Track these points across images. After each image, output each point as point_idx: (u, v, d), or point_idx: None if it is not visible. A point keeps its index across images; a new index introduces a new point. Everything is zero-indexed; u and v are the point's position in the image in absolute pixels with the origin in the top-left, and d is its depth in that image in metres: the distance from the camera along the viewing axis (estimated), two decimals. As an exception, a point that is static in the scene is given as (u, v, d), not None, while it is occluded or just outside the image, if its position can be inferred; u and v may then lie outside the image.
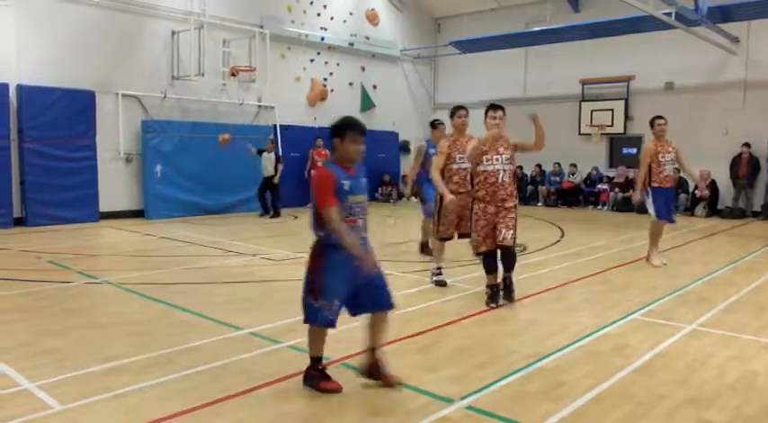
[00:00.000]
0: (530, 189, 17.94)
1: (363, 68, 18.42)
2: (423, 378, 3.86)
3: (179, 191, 13.72)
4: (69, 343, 4.73)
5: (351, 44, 17.75)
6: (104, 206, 12.89)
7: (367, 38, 18.23)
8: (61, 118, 12.07)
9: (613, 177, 16.84)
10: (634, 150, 17.13)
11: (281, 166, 13.86)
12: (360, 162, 3.82)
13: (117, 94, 13.06)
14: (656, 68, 16.11)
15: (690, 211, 15.00)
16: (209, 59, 14.05)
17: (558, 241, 10.47)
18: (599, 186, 16.91)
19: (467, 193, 6.32)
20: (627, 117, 16.83)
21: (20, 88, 11.72)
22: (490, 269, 5.89)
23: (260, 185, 13.90)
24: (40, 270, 7.58)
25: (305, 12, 16.63)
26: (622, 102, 16.83)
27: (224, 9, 14.65)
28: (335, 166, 3.72)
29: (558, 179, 17.58)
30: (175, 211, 13.60)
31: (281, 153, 15.62)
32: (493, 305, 5.82)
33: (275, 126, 15.85)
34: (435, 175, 6.38)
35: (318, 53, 17.12)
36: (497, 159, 5.67)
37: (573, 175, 17.39)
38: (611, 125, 17.05)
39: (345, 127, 3.74)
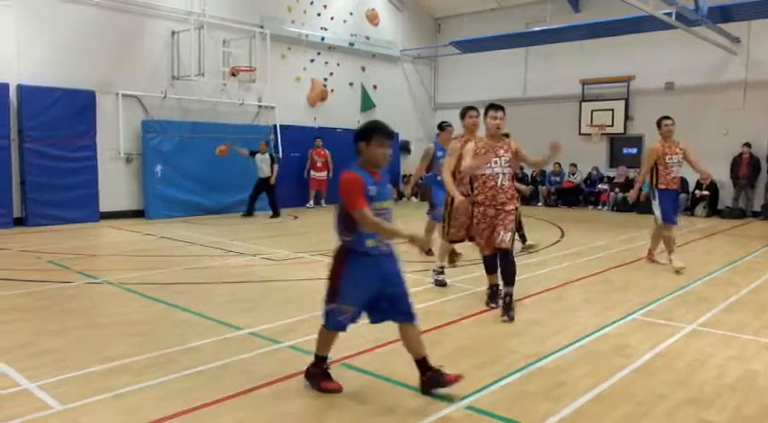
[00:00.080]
0: (530, 189, 17.93)
1: (364, 68, 18.43)
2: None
3: (179, 191, 13.72)
4: (69, 343, 4.73)
5: (351, 44, 17.75)
6: (104, 206, 12.89)
7: (367, 38, 18.23)
8: (61, 118, 12.08)
9: (614, 177, 16.85)
10: (634, 150, 17.16)
11: (276, 167, 13.85)
12: (385, 168, 3.74)
13: (117, 94, 13.07)
14: (656, 68, 16.11)
15: (690, 211, 15.00)
16: (209, 59, 14.05)
17: (559, 241, 10.47)
18: (599, 186, 16.91)
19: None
20: (627, 117, 16.83)
21: (20, 88, 11.72)
22: (491, 269, 5.88)
23: (254, 186, 13.88)
24: (41, 270, 7.59)
25: (305, 12, 16.63)
26: (623, 102, 16.83)
27: (224, 9, 14.65)
28: (362, 171, 3.62)
29: (558, 179, 17.58)
30: (175, 211, 13.60)
31: (280, 153, 15.66)
32: (493, 305, 5.81)
33: (275, 126, 15.85)
34: (446, 176, 6.19)
35: (319, 53, 17.12)
36: (496, 162, 5.55)
37: (573, 175, 17.39)
38: (612, 125, 17.05)
39: (372, 130, 3.63)
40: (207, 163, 13.89)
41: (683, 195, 15.04)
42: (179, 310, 5.71)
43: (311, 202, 16.25)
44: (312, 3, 16.78)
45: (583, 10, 17.16)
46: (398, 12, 19.31)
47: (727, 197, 15.13)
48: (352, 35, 17.80)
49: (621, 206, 15.89)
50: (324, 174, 16.24)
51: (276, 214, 13.86)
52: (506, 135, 8.56)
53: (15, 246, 9.44)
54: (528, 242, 9.26)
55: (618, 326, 5.33)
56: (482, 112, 5.89)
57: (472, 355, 4.50)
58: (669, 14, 11.89)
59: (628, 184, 16.05)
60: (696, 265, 7.96)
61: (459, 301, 6.12)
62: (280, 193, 14.30)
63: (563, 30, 15.35)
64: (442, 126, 7.96)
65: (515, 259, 5.71)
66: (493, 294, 5.89)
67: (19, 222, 11.76)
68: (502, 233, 5.52)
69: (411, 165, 18.64)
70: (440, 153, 7.49)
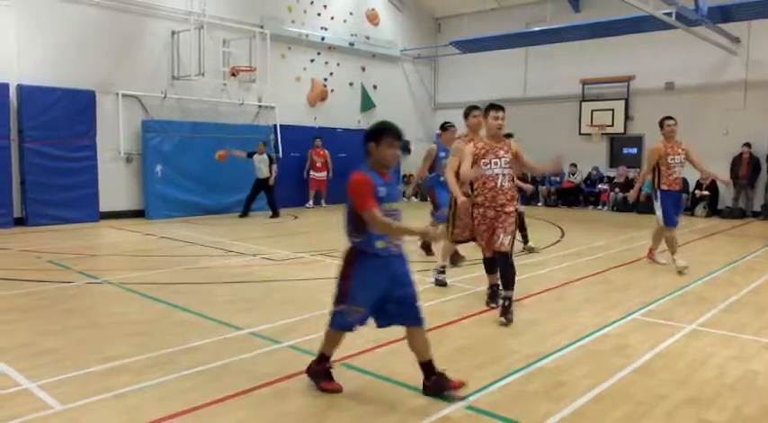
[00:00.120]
0: (531, 189, 17.91)
1: (364, 68, 18.43)
2: (422, 378, 3.84)
3: (179, 191, 13.72)
4: (70, 343, 4.74)
5: (351, 44, 17.75)
6: (104, 206, 12.89)
7: (367, 38, 18.23)
8: (61, 118, 12.08)
9: (614, 177, 16.85)
10: (634, 150, 17.16)
11: (275, 168, 13.85)
12: (394, 169, 3.73)
13: (117, 94, 13.07)
14: (656, 68, 16.10)
15: (690, 211, 15.00)
16: (209, 59, 14.06)
17: (559, 241, 10.47)
18: (599, 186, 16.91)
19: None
20: (627, 117, 16.82)
21: (20, 88, 11.72)
22: (491, 270, 5.88)
23: (252, 186, 13.86)
24: (41, 270, 7.59)
25: (305, 12, 16.63)
26: (623, 102, 16.83)
27: (224, 9, 14.65)
28: (371, 172, 3.59)
29: (558, 179, 17.57)
30: (176, 211, 13.60)
31: (281, 153, 15.66)
32: (493, 305, 5.81)
33: (275, 126, 15.85)
34: (450, 176, 6.13)
35: (319, 53, 17.12)
36: (496, 163, 5.47)
37: (573, 175, 17.39)
38: (612, 125, 17.05)
39: (382, 131, 3.62)
40: (207, 163, 13.87)
41: (683, 195, 15.06)
42: (179, 310, 5.71)
43: (311, 201, 16.24)
44: (312, 3, 16.78)
45: (583, 10, 17.16)
46: (398, 12, 19.31)
47: (727, 197, 15.13)
48: (352, 35, 17.80)
49: (621, 206, 15.89)
50: (323, 174, 16.24)
51: (276, 214, 13.86)
52: (510, 135, 8.57)
53: (15, 246, 9.44)
54: (529, 244, 9.26)
55: (618, 326, 5.34)
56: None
57: (472, 355, 4.50)
58: (669, 14, 11.89)
59: (628, 184, 16.04)
60: (696, 265, 7.95)
61: (459, 301, 6.12)
62: (279, 194, 14.30)
63: (563, 30, 15.35)
64: (445, 126, 7.92)
65: (515, 261, 5.68)
66: (493, 294, 5.89)
67: (19, 222, 11.76)
68: (501, 236, 5.44)
69: (411, 165, 18.65)
70: (442, 154, 7.47)
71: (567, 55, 17.21)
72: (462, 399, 3.66)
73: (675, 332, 5.11)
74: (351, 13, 17.84)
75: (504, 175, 5.50)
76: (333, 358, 3.92)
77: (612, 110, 16.98)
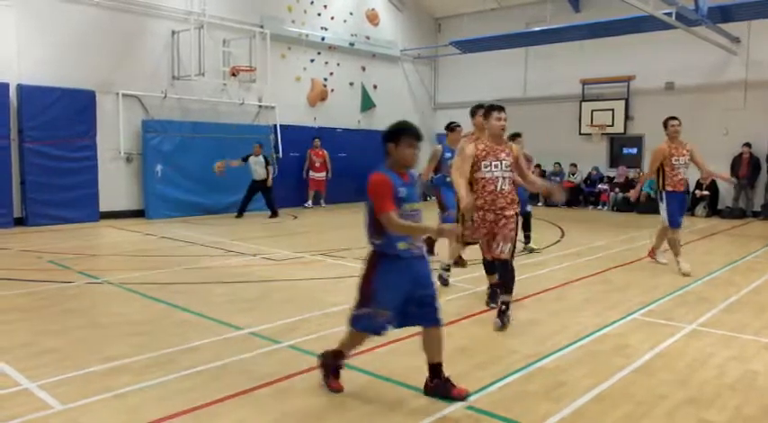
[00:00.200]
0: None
1: (364, 68, 18.42)
2: (423, 378, 3.85)
3: (179, 191, 13.72)
4: (70, 343, 4.74)
5: (351, 44, 17.75)
6: (104, 206, 12.89)
7: (367, 38, 18.23)
8: (61, 118, 12.08)
9: (614, 177, 16.85)
10: (634, 150, 17.16)
11: (271, 169, 13.84)
12: (413, 169, 3.69)
13: (117, 93, 13.07)
14: (656, 68, 16.10)
15: (690, 211, 14.98)
16: (209, 59, 14.06)
17: (559, 241, 10.47)
18: (599, 186, 16.91)
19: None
20: (627, 117, 16.82)
21: (20, 88, 11.72)
22: (490, 271, 5.85)
23: (248, 188, 13.83)
24: (41, 270, 7.59)
25: (305, 12, 16.63)
26: (623, 102, 16.83)
27: (224, 9, 14.65)
28: (391, 172, 3.55)
29: (558, 179, 17.56)
30: (176, 210, 13.60)
31: (280, 153, 15.66)
32: (493, 305, 5.79)
33: (275, 126, 15.85)
34: (456, 176, 5.92)
35: (319, 53, 17.12)
36: (497, 166, 5.33)
37: (573, 175, 17.39)
38: (612, 125, 17.04)
39: (401, 131, 3.57)
40: (207, 163, 13.84)
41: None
42: (179, 310, 5.71)
43: (310, 202, 16.22)
44: (312, 3, 16.78)
45: (583, 10, 17.16)
46: (398, 12, 19.31)
47: (727, 197, 15.13)
48: (352, 35, 17.80)
49: (621, 206, 15.89)
50: (323, 174, 16.23)
51: (274, 214, 13.86)
52: (519, 135, 8.56)
53: (15, 245, 9.45)
54: (530, 244, 9.25)
55: (618, 326, 5.34)
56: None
57: (472, 355, 4.50)
58: (669, 14, 11.89)
59: (628, 184, 16.05)
60: (696, 265, 7.95)
61: (459, 301, 6.12)
62: (279, 194, 14.30)
63: (563, 30, 15.35)
64: (452, 127, 7.82)
65: (514, 263, 5.64)
66: (493, 294, 5.88)
67: (19, 222, 11.76)
68: (501, 244, 5.34)
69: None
70: (448, 154, 7.45)
71: (567, 55, 17.21)
72: (462, 399, 3.66)
73: (675, 332, 5.12)
74: (351, 13, 17.84)
75: (504, 178, 5.36)
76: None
77: (612, 110, 16.98)
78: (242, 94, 15.26)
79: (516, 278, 5.53)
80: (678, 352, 4.64)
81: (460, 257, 7.74)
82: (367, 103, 18.48)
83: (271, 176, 13.81)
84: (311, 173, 16.20)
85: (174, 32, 13.88)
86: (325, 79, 17.35)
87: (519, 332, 5.12)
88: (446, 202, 7.66)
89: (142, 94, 13.43)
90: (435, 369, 3.74)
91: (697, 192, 15.05)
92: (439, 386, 3.72)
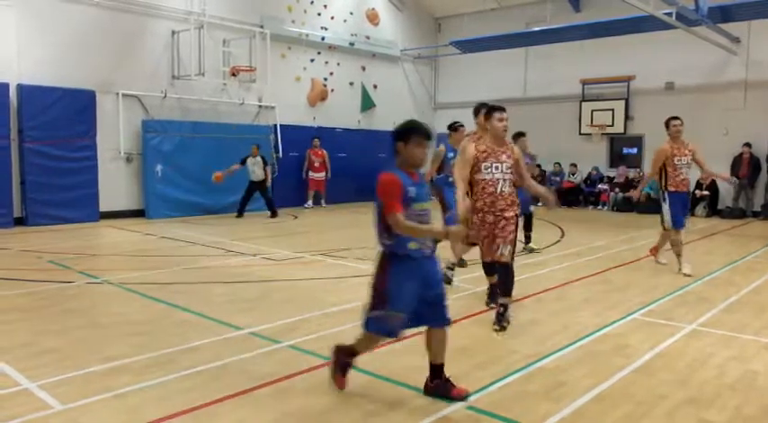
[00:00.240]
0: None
1: (364, 68, 18.42)
2: (423, 378, 3.85)
3: (179, 191, 13.72)
4: (70, 343, 4.74)
5: (351, 44, 17.75)
6: (104, 206, 12.89)
7: (367, 38, 18.23)
8: (61, 118, 12.08)
9: (614, 177, 16.85)
10: (634, 150, 17.17)
11: (269, 170, 13.85)
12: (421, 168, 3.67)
13: (117, 93, 13.07)
14: (656, 68, 16.11)
15: (690, 210, 14.98)
16: (209, 59, 14.06)
17: (559, 241, 10.47)
18: (599, 186, 16.91)
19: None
20: (627, 117, 16.82)
21: (20, 88, 11.72)
22: (489, 272, 5.78)
23: (246, 188, 13.81)
24: (41, 270, 7.59)
25: (305, 11, 16.63)
26: (623, 102, 16.83)
27: (224, 9, 14.65)
28: (400, 172, 3.53)
29: (558, 179, 17.58)
30: (176, 210, 13.60)
31: (280, 153, 15.65)
32: (493, 305, 5.78)
33: (275, 126, 15.85)
34: (457, 177, 5.80)
35: (319, 53, 17.12)
36: (497, 168, 5.23)
37: (573, 175, 17.39)
38: (612, 125, 17.05)
39: (410, 130, 3.55)
40: (207, 163, 13.86)
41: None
42: (179, 310, 5.71)
43: (310, 202, 16.20)
44: (312, 2, 16.78)
45: (583, 10, 17.15)
46: (398, 11, 19.31)
47: (727, 197, 15.13)
48: (352, 35, 17.80)
49: (621, 206, 15.89)
50: (322, 174, 16.21)
51: (274, 214, 13.85)
52: (523, 134, 8.53)
53: (15, 245, 9.45)
54: (530, 244, 9.25)
55: (618, 326, 5.34)
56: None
57: (472, 355, 4.50)
58: (669, 14, 11.89)
59: (628, 184, 16.06)
60: (696, 265, 7.95)
61: (459, 301, 6.11)
62: (279, 194, 14.30)
63: (563, 30, 15.35)
64: (455, 127, 7.74)
65: (514, 264, 5.61)
66: (493, 294, 5.85)
67: (19, 222, 11.76)
68: (501, 246, 5.27)
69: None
70: (451, 154, 7.42)
71: (567, 55, 17.21)
72: (462, 399, 3.66)
73: (675, 332, 5.12)
74: (351, 13, 17.84)
75: (504, 180, 5.27)
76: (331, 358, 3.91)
77: (612, 110, 16.99)
78: (242, 94, 15.26)
79: (516, 278, 5.52)
80: (678, 352, 4.64)
81: (461, 258, 7.75)
82: (367, 103, 18.48)
83: (270, 177, 13.79)
84: (310, 173, 16.19)
85: (174, 32, 13.88)
86: (325, 79, 17.35)
87: (519, 332, 5.12)
88: (448, 202, 7.65)
89: (142, 94, 13.43)
90: (437, 369, 3.74)
91: (697, 192, 15.04)
92: (439, 386, 3.72)
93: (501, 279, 5.45)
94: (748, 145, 14.67)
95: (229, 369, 4.18)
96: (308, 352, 4.49)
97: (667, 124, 7.64)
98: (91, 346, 4.67)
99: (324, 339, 4.77)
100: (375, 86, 18.69)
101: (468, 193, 5.55)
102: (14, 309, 5.76)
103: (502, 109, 5.35)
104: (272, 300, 6.26)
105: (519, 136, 8.62)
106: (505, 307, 5.31)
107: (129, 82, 13.20)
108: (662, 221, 7.86)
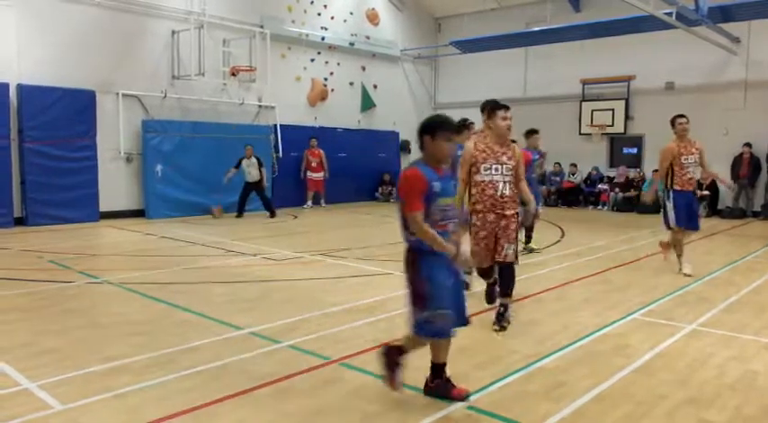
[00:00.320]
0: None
1: (364, 68, 18.42)
2: (423, 378, 3.85)
3: (179, 191, 13.72)
4: (70, 343, 4.74)
5: (351, 44, 17.75)
6: (105, 206, 12.89)
7: (367, 38, 18.23)
8: (61, 118, 12.07)
9: (614, 177, 16.85)
10: (634, 150, 17.17)
11: (264, 170, 13.84)
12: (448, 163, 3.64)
13: (117, 93, 13.07)
14: (656, 68, 16.10)
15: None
16: (209, 59, 14.06)
17: (559, 241, 10.47)
18: (599, 186, 16.91)
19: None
20: (627, 117, 16.82)
21: (20, 88, 11.72)
22: (486, 276, 5.70)
23: (242, 189, 13.80)
24: (41, 270, 7.59)
25: (305, 11, 16.63)
26: (623, 102, 16.83)
27: (224, 9, 14.65)
28: (425, 167, 3.48)
29: (558, 179, 17.58)
30: (176, 210, 13.60)
31: (280, 153, 15.65)
32: (492, 304, 5.78)
33: (276, 126, 15.85)
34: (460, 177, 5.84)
35: (319, 53, 17.12)
36: (497, 169, 5.07)
37: (573, 175, 17.39)
38: (612, 125, 17.04)
39: (438, 125, 3.50)
40: (207, 163, 13.88)
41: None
42: (179, 310, 5.71)
43: (309, 202, 16.18)
44: (312, 2, 16.78)
45: (583, 10, 17.15)
46: (398, 11, 19.31)
47: (727, 197, 15.13)
48: (352, 35, 17.79)
49: (621, 206, 15.89)
50: (320, 174, 16.17)
51: (272, 214, 13.85)
52: (536, 131, 8.48)
53: (16, 245, 9.45)
54: (530, 244, 9.24)
55: (618, 326, 5.33)
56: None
57: (472, 355, 4.49)
58: (669, 14, 11.89)
59: (628, 184, 16.08)
60: (696, 265, 7.95)
61: (459, 301, 6.11)
62: (278, 194, 14.29)
63: (563, 30, 15.35)
64: (467, 124, 7.22)
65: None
66: (491, 293, 5.81)
67: (19, 222, 11.76)
68: (505, 246, 5.14)
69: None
70: (459, 152, 7.34)
71: (567, 55, 17.21)
72: (463, 399, 3.66)
73: (675, 332, 5.11)
74: (351, 13, 17.84)
75: (505, 182, 5.09)
76: (332, 358, 3.90)
77: (612, 110, 16.98)
78: (242, 93, 15.25)
79: (516, 278, 5.50)
80: (678, 352, 4.64)
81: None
82: (367, 103, 18.48)
83: (265, 177, 13.78)
84: (309, 173, 16.14)
85: (174, 32, 13.88)
86: (326, 79, 17.35)
87: (519, 332, 5.11)
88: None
89: (142, 93, 13.43)
90: (439, 369, 3.73)
91: (697, 191, 15.01)
92: (439, 386, 3.72)
93: (503, 279, 5.37)
94: (748, 145, 14.67)
95: (229, 369, 4.18)
96: (307, 352, 4.49)
97: (673, 123, 7.54)
98: (91, 346, 4.67)
99: (324, 339, 4.78)
100: (375, 86, 18.69)
101: (468, 194, 5.43)
102: (14, 309, 5.76)
103: (506, 107, 5.19)
104: (272, 300, 6.26)
105: (532, 133, 8.57)
106: (505, 307, 5.28)
107: (129, 82, 13.20)
108: (665, 221, 7.79)
